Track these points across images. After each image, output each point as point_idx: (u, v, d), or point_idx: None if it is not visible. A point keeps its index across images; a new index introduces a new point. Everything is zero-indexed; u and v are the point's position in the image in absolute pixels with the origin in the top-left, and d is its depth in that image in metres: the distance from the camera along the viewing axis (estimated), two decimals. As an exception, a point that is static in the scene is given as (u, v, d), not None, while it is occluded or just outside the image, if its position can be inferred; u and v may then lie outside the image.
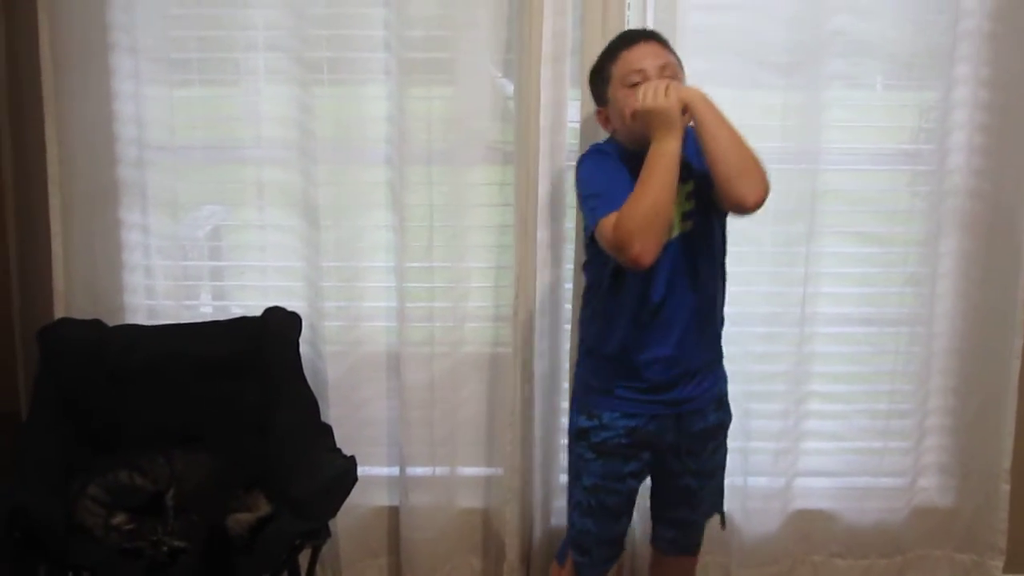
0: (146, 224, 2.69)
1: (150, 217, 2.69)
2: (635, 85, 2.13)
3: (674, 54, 2.23)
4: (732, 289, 2.69)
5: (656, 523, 2.48)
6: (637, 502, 2.43)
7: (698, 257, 2.22)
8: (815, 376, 2.76)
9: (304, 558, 2.42)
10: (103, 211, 2.63)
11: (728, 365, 2.72)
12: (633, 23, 2.52)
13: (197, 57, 2.66)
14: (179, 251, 2.72)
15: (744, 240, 2.68)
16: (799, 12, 2.58)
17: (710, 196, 2.17)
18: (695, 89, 2.12)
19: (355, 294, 2.71)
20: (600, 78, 2.24)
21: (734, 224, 2.70)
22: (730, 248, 2.69)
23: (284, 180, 2.64)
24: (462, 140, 2.59)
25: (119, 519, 2.32)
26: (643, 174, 2.06)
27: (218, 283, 2.86)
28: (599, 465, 2.30)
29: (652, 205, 2.04)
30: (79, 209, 2.60)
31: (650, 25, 2.53)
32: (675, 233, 2.18)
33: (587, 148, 2.35)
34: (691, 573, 2.54)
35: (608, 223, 2.07)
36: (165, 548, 2.24)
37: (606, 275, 2.22)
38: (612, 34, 2.41)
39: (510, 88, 2.57)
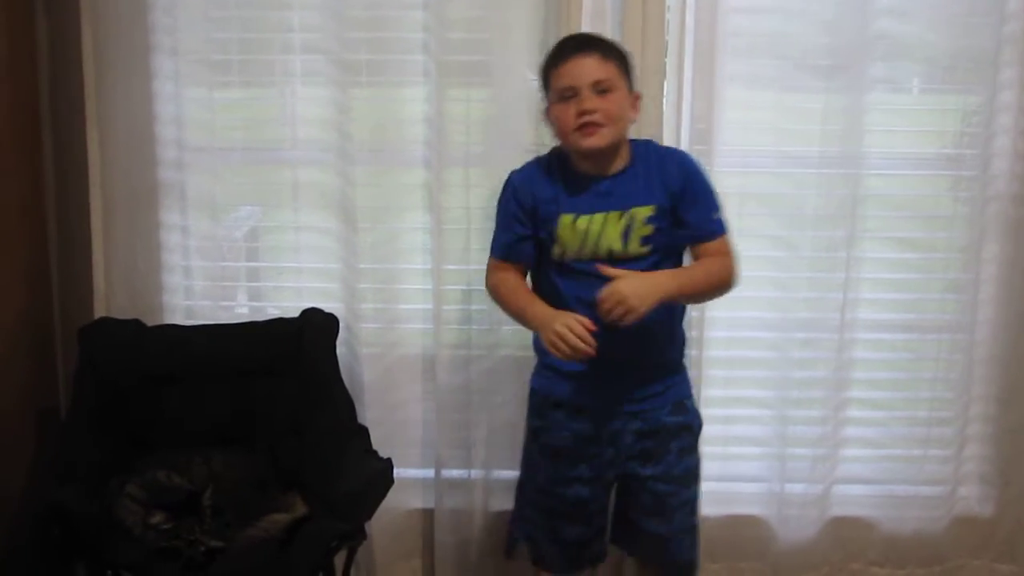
0: (185, 225, 2.71)
1: (189, 218, 2.71)
2: (565, 99, 2.17)
3: (619, 60, 2.21)
4: (771, 295, 2.70)
5: (634, 537, 2.41)
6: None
7: None
8: (854, 382, 2.73)
9: (339, 559, 2.42)
10: (143, 212, 2.65)
11: (766, 371, 2.73)
12: (672, 26, 2.51)
13: (237, 59, 2.67)
14: (217, 252, 2.74)
15: (784, 245, 2.68)
16: (840, 15, 2.57)
17: (671, 228, 2.22)
18: (655, 292, 2.08)
19: (392, 296, 2.71)
20: (544, 83, 2.26)
21: (773, 229, 2.71)
22: (769, 253, 2.70)
23: (322, 182, 2.65)
24: (499, 142, 2.59)
25: (157, 518, 2.33)
26: (520, 304, 2.24)
27: (255, 284, 2.86)
28: (549, 467, 2.33)
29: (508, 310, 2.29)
30: (119, 210, 2.62)
31: (690, 29, 2.53)
32: (626, 255, 2.19)
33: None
34: None
35: (489, 265, 2.33)
36: (202, 548, 2.25)
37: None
38: (652, 37, 2.42)
39: (547, 90, 2.57)
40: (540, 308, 2.19)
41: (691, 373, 2.62)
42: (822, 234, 2.65)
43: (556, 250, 2.22)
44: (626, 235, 2.19)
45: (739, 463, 2.81)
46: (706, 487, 2.69)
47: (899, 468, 2.80)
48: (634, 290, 2.05)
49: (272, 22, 2.63)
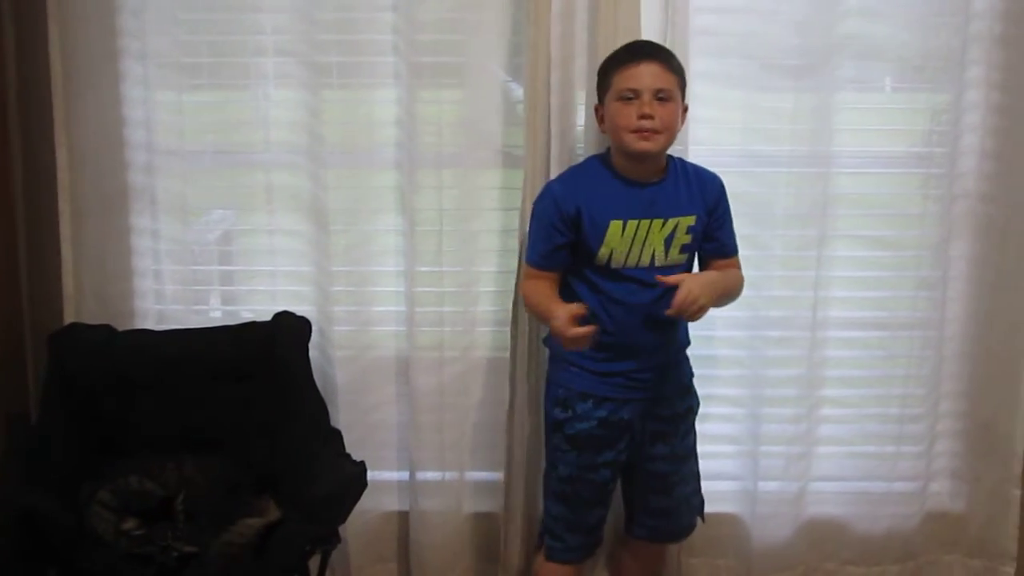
0: (156, 229, 2.69)
1: (160, 222, 2.69)
2: (626, 100, 2.25)
3: (678, 73, 2.30)
4: (744, 293, 2.68)
5: (635, 512, 2.55)
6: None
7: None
8: (827, 381, 2.75)
9: (314, 563, 2.42)
10: (113, 216, 2.64)
11: (739, 369, 2.74)
12: (645, 26, 2.51)
13: (207, 62, 2.66)
14: (189, 256, 2.73)
15: (755, 245, 2.69)
16: (809, 15, 2.58)
17: (701, 240, 2.38)
18: (715, 290, 2.25)
19: (365, 299, 2.71)
20: (602, 80, 2.34)
21: (744, 228, 2.72)
22: (742, 252, 2.70)
23: (294, 184, 2.64)
24: (472, 144, 2.59)
25: (129, 524, 2.32)
26: (542, 307, 2.30)
27: (228, 288, 2.85)
28: (574, 456, 2.40)
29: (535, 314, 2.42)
30: (89, 214, 2.60)
31: (661, 28, 2.52)
32: (665, 263, 2.32)
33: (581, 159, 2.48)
34: (662, 558, 2.69)
35: (525, 272, 2.43)
36: (175, 553, 2.24)
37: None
38: (625, 38, 2.41)
39: (519, 92, 2.57)
40: (553, 307, 2.25)
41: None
42: (793, 233, 2.67)
43: (603, 254, 2.30)
44: (668, 242, 2.31)
45: (713, 461, 2.80)
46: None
47: (872, 465, 2.81)
48: (703, 288, 2.19)
49: (242, 25, 2.62)
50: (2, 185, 2.63)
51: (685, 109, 2.35)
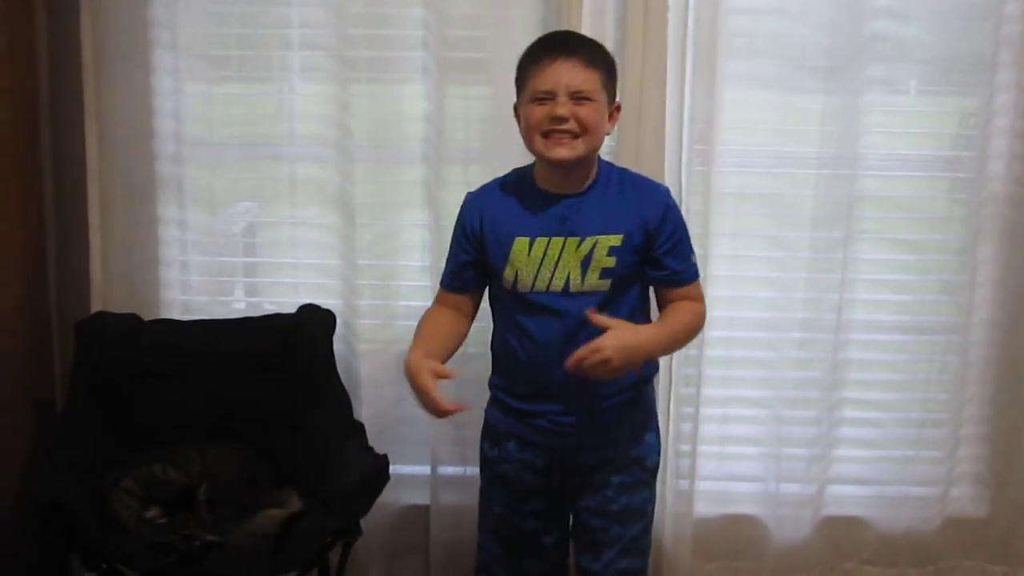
0: (183, 219, 2.70)
1: (187, 213, 2.70)
2: (540, 101, 2.01)
3: (604, 68, 2.05)
4: (768, 295, 2.70)
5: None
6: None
7: (604, 309, 2.04)
8: (849, 383, 2.75)
9: (335, 555, 2.43)
10: (141, 206, 2.65)
11: (762, 371, 2.74)
12: (673, 25, 2.51)
13: (236, 54, 2.67)
14: (215, 247, 2.74)
15: (781, 246, 2.69)
16: (838, 16, 2.58)
17: (634, 264, 2.08)
18: (641, 356, 1.99)
19: (390, 293, 2.72)
20: (519, 77, 2.10)
21: (770, 229, 2.71)
22: (766, 253, 2.70)
23: (321, 177, 2.65)
24: (498, 140, 2.58)
25: (152, 512, 2.34)
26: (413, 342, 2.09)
27: (252, 280, 2.86)
28: (505, 496, 2.24)
29: None
30: (117, 204, 2.62)
31: (690, 28, 2.52)
32: (582, 288, 2.05)
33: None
34: None
35: (437, 295, 2.24)
36: (197, 542, 2.24)
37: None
38: (654, 37, 2.42)
39: (547, 89, 2.57)
40: (411, 351, 2.05)
41: (689, 371, 2.64)
42: (819, 235, 2.66)
43: (507, 274, 2.08)
44: (585, 265, 2.05)
45: (735, 463, 2.82)
46: (702, 486, 2.73)
47: (893, 469, 2.81)
48: (621, 351, 1.91)
49: (272, 18, 2.63)
50: (32, 174, 2.64)
51: (617, 108, 2.10)
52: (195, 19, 2.61)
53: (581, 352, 1.92)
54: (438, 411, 1.97)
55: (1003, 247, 2.70)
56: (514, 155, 2.54)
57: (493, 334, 2.24)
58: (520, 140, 2.41)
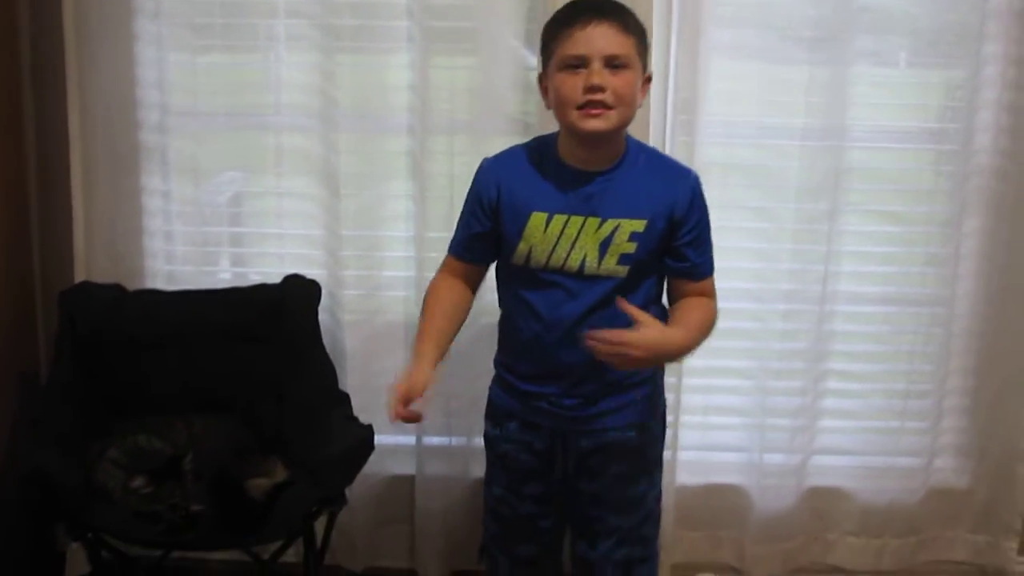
0: (167, 189, 2.69)
1: (171, 183, 2.69)
2: (571, 69, 1.90)
3: (637, 35, 1.94)
4: (753, 266, 2.70)
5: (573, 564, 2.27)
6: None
7: (611, 303, 1.98)
8: (834, 354, 2.75)
9: (320, 525, 2.44)
10: (124, 176, 2.63)
11: (747, 342, 2.74)
12: (660, -6, 2.50)
13: (220, 23, 2.65)
14: (199, 217, 2.73)
15: (766, 217, 2.69)
16: (825, -14, 2.57)
17: (655, 251, 2.01)
18: (665, 357, 2.00)
19: (374, 263, 2.71)
20: (545, 45, 1.97)
21: (755, 201, 2.71)
22: (751, 224, 2.70)
23: (305, 147, 2.64)
24: (484, 111, 2.58)
25: (138, 482, 2.34)
26: (420, 328, 2.07)
27: (237, 250, 2.85)
28: (504, 478, 2.20)
29: None
30: (100, 174, 2.60)
31: (676, -3, 2.51)
32: (597, 271, 1.99)
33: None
34: None
35: (443, 261, 2.15)
36: (183, 512, 2.25)
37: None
38: (640, 5, 2.36)
39: (532, 59, 2.56)
40: (419, 347, 2.03)
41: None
42: (804, 206, 2.66)
43: (521, 250, 2.01)
44: (603, 248, 1.97)
45: (719, 432, 2.83)
46: (686, 456, 2.74)
47: (877, 439, 2.82)
48: (648, 350, 1.87)
49: (256, -15, 2.61)
50: (15, 144, 2.63)
51: (648, 79, 2.00)
52: (178, -13, 2.60)
53: (607, 335, 1.84)
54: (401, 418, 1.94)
55: (988, 219, 2.69)
56: (500, 126, 2.55)
57: (500, 311, 2.19)
58: (507, 111, 2.41)
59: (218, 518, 2.24)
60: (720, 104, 2.60)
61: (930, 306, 2.74)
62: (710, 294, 2.08)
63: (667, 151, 2.55)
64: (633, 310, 1.88)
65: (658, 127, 2.57)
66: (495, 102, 2.58)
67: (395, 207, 2.69)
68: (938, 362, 2.76)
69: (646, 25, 2.40)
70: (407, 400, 1.92)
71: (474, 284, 2.17)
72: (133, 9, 2.57)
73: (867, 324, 2.81)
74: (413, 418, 1.93)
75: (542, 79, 2.00)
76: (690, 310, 2.03)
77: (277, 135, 2.68)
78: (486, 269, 2.16)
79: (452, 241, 2.14)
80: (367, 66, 2.66)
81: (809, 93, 2.60)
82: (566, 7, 1.98)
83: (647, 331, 1.87)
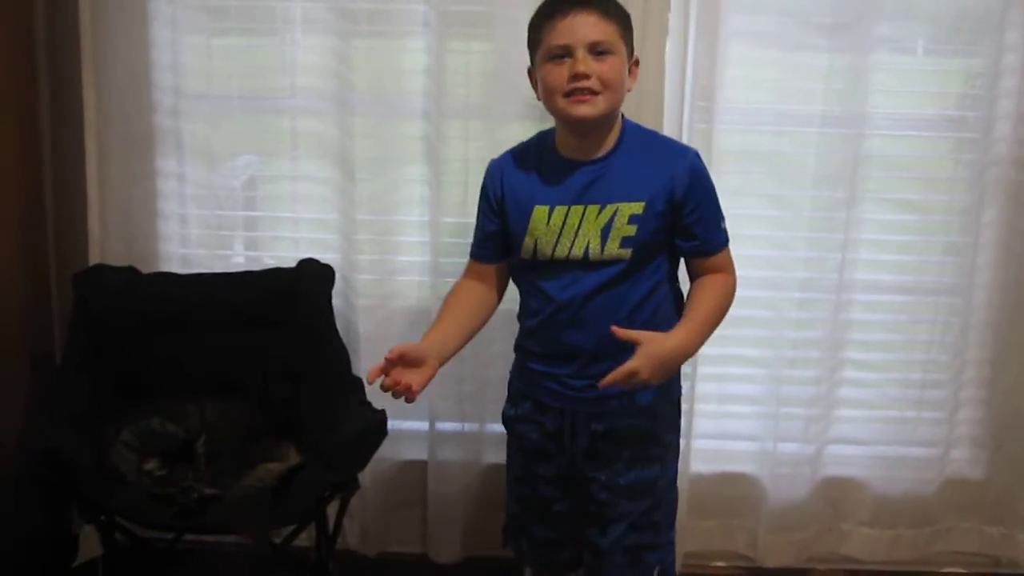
0: (181, 172, 2.69)
1: (186, 166, 2.69)
2: (557, 59, 1.95)
3: (620, 21, 1.98)
4: (769, 253, 2.69)
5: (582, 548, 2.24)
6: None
7: (623, 281, 2.03)
8: (850, 343, 2.74)
9: (332, 509, 2.44)
10: (139, 159, 2.63)
11: (762, 330, 2.73)
12: (676, -20, 2.48)
13: (236, 5, 2.63)
14: (214, 200, 2.72)
15: (783, 205, 2.67)
16: (845, -27, 2.54)
17: (658, 230, 2.02)
18: (677, 364, 2.00)
19: (389, 248, 2.70)
20: (532, 37, 2.03)
21: (773, 188, 2.69)
22: (768, 212, 2.69)
23: (320, 131, 2.63)
24: (499, 95, 2.56)
25: (151, 465, 2.34)
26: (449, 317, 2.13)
27: (252, 233, 2.85)
28: (522, 459, 2.23)
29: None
30: (115, 156, 2.60)
31: (695, -17, 2.49)
32: (601, 256, 2.01)
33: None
34: None
35: (467, 265, 2.21)
36: (195, 495, 2.25)
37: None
38: (658, -11, 2.37)
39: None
40: (428, 333, 2.09)
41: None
42: (822, 194, 2.64)
43: (527, 244, 2.06)
44: (605, 233, 2.00)
45: (733, 421, 2.82)
46: (699, 444, 2.73)
47: (892, 430, 2.81)
48: (656, 369, 1.89)
49: (271, -32, 2.60)
50: (29, 126, 2.63)
51: (636, 62, 2.03)
52: (193, -31, 2.59)
53: (615, 376, 1.87)
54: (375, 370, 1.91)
55: (1007, 209, 2.67)
56: (515, 111, 2.53)
57: (519, 296, 2.21)
58: (521, 96, 2.38)
59: (230, 501, 2.24)
60: (738, 91, 2.59)
61: (947, 296, 2.72)
62: (725, 268, 2.09)
63: (684, 138, 2.53)
64: (626, 333, 1.90)
65: (675, 114, 2.55)
66: (510, 87, 2.56)
67: (410, 192, 2.68)
68: (955, 352, 2.74)
69: (663, 13, 2.41)
70: (388, 363, 1.89)
71: (496, 285, 2.21)
72: (148, -9, 2.56)
73: (883, 313, 2.79)
74: (390, 382, 1.90)
75: (531, 72, 2.06)
76: (699, 298, 2.05)
77: (292, 119, 2.67)
78: (505, 268, 2.19)
79: (472, 244, 2.21)
80: (383, 50, 2.65)
81: (828, 80, 2.58)
82: (546, 0, 2.02)
83: (647, 349, 1.89)
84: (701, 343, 2.02)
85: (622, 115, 2.07)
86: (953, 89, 2.67)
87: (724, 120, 2.56)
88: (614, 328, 1.91)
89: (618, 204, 1.99)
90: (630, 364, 1.87)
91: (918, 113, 2.69)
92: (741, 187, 2.66)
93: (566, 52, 1.94)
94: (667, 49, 2.52)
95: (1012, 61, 2.58)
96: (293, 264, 2.59)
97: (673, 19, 2.51)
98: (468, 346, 2.65)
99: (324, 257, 2.61)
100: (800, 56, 2.61)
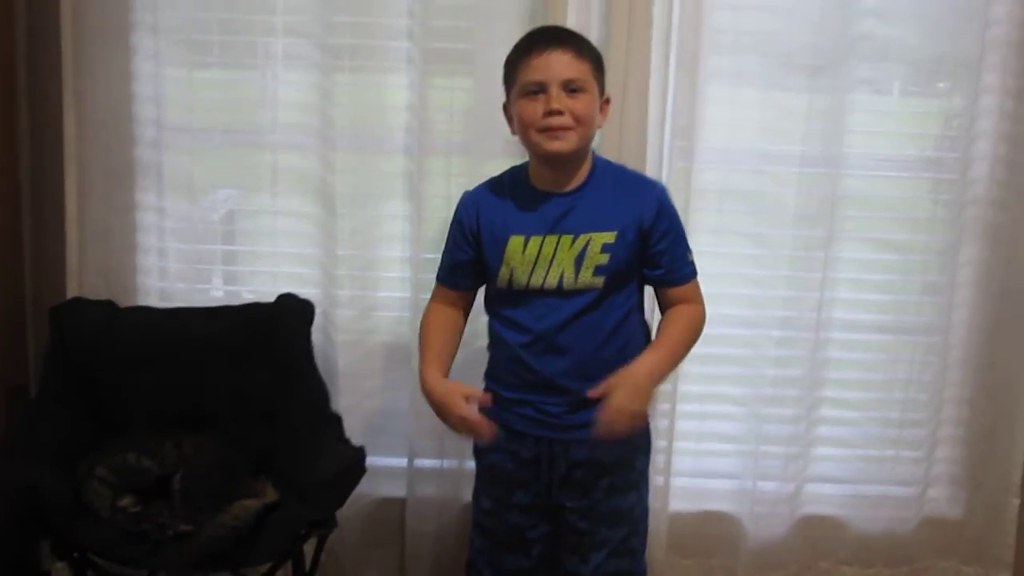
0: (161, 206, 2.68)
1: (166, 199, 2.68)
2: (531, 95, 2.01)
3: (593, 60, 2.05)
4: (748, 292, 2.70)
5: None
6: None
7: (596, 309, 2.08)
8: (828, 382, 2.74)
9: (310, 547, 2.41)
10: (119, 191, 2.62)
11: (741, 368, 2.73)
12: (658, 21, 2.50)
13: (219, 39, 2.65)
14: (193, 234, 2.72)
15: (762, 243, 2.69)
16: (825, 15, 2.57)
17: (628, 260, 2.07)
18: (650, 388, 2.01)
19: (369, 283, 2.70)
20: (508, 74, 2.09)
21: (752, 227, 2.71)
22: (747, 250, 2.70)
23: (302, 166, 2.63)
24: (482, 132, 2.57)
25: (126, 501, 2.31)
26: (421, 348, 2.19)
27: (231, 268, 2.84)
28: (491, 489, 2.24)
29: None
30: (95, 189, 2.59)
31: (675, 24, 2.51)
32: (575, 286, 2.05)
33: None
34: None
35: (433, 291, 2.24)
36: (170, 532, 2.23)
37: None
38: (638, 31, 2.40)
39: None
40: (425, 367, 2.12)
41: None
42: (801, 233, 2.66)
43: (503, 274, 2.09)
44: (579, 263, 2.05)
45: (712, 459, 2.81)
46: (678, 482, 2.73)
47: (871, 468, 2.81)
48: (633, 406, 1.95)
49: (255, 3, 2.61)
50: (9, 157, 2.62)
51: (607, 101, 2.11)
52: (177, 2, 2.59)
53: (601, 435, 1.96)
54: (482, 433, 2.03)
55: (985, 249, 2.69)
56: (497, 147, 2.54)
57: (489, 327, 2.23)
58: (503, 133, 2.39)
59: (206, 539, 2.22)
60: (718, 131, 2.61)
61: (926, 335, 2.74)
62: (694, 299, 2.14)
63: (664, 177, 2.55)
64: (596, 392, 1.96)
65: (655, 153, 2.57)
66: (492, 124, 2.55)
67: (391, 227, 2.68)
68: (933, 391, 2.76)
69: (644, 52, 2.43)
70: (468, 413, 2.01)
71: (464, 309, 2.26)
72: (131, 23, 2.56)
73: (862, 352, 2.80)
74: (482, 428, 2.02)
75: (506, 108, 2.12)
76: (666, 325, 2.12)
77: (273, 153, 2.67)
78: (473, 295, 2.24)
79: (439, 269, 2.24)
80: (365, 86, 2.66)
81: (807, 120, 2.61)
82: (523, 38, 2.09)
83: (619, 394, 1.95)
84: (670, 366, 2.10)
85: (593, 151, 2.13)
86: (931, 130, 2.70)
87: (704, 159, 2.58)
88: (589, 393, 1.97)
89: (591, 234, 2.05)
90: (606, 418, 1.94)
91: (897, 153, 2.72)
92: (720, 226, 2.68)
93: (540, 88, 2.01)
94: (649, 89, 2.53)
95: (989, 103, 2.61)
96: (272, 299, 2.58)
97: (654, 58, 2.52)
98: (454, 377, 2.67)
99: (303, 292, 2.60)
100: (779, 96, 2.64)
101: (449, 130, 2.60)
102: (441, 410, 2.05)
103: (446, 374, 2.13)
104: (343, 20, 2.57)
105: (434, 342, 2.18)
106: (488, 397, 2.09)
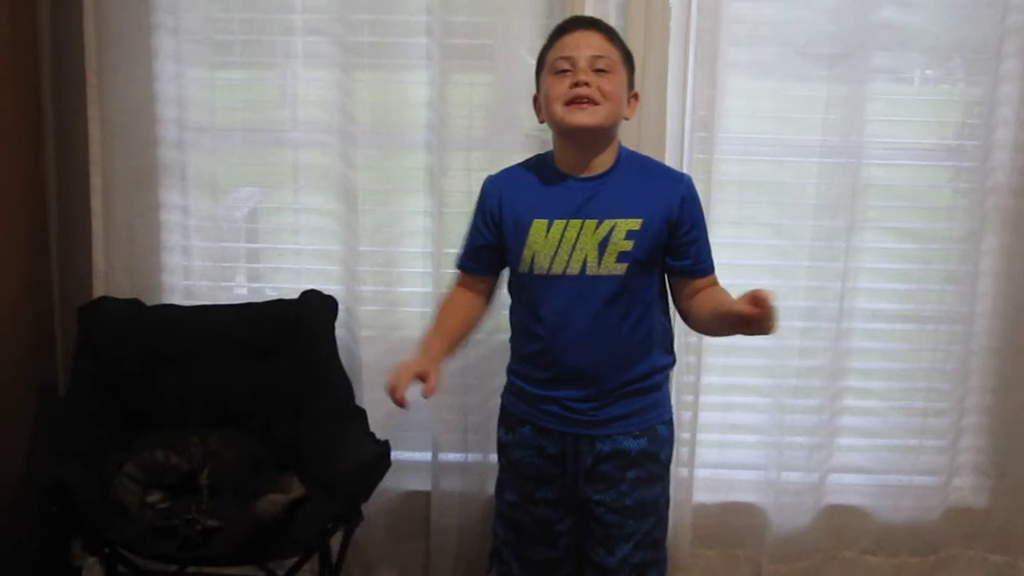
0: (185, 205, 2.71)
1: (189, 198, 2.71)
2: (562, 72, 2.02)
3: (622, 50, 2.07)
4: (770, 283, 2.65)
5: (583, 568, 2.27)
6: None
7: (620, 298, 2.08)
8: (851, 372, 2.74)
9: (336, 541, 2.43)
10: (143, 191, 2.65)
11: (764, 359, 2.73)
12: (676, 12, 2.50)
13: (239, 39, 2.67)
14: (217, 232, 2.74)
15: (783, 234, 2.68)
16: (843, 4, 2.57)
17: (652, 249, 2.07)
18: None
19: (392, 279, 2.72)
20: (540, 65, 2.12)
21: (773, 218, 2.71)
22: (768, 241, 2.70)
23: (323, 164, 2.65)
24: (501, 127, 2.59)
25: (154, 497, 2.34)
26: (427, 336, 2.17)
27: (255, 265, 2.86)
28: (517, 483, 2.24)
29: None
30: (119, 189, 2.62)
31: (693, 15, 2.52)
32: (597, 271, 2.05)
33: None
34: None
35: (454, 278, 2.25)
36: (199, 527, 2.25)
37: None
38: (657, 23, 2.40)
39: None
40: (424, 341, 2.15)
41: (690, 359, 2.64)
42: (822, 223, 2.65)
43: (525, 257, 2.09)
44: (602, 248, 2.04)
45: (736, 451, 2.82)
46: (702, 473, 2.73)
47: (895, 458, 2.81)
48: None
49: (274, 2, 2.63)
50: (35, 159, 2.65)
51: (635, 95, 2.12)
52: (198, 3, 2.61)
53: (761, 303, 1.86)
54: (395, 402, 2.01)
55: (1006, 237, 2.68)
56: (517, 142, 2.55)
57: (511, 320, 2.24)
58: (523, 127, 2.43)
59: (234, 534, 2.24)
60: (738, 121, 2.61)
61: (948, 324, 2.73)
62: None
63: (685, 168, 2.55)
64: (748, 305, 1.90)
65: (676, 144, 2.58)
66: (512, 119, 2.59)
67: (412, 223, 2.70)
68: (956, 380, 2.75)
69: (662, 44, 2.43)
70: (400, 380, 1.99)
71: (483, 292, 2.25)
72: (153, 25, 2.59)
73: (885, 342, 2.80)
74: (397, 400, 2.00)
75: (536, 99, 2.14)
76: (720, 292, 2.09)
77: (295, 151, 2.69)
78: (493, 281, 2.24)
79: (458, 256, 2.25)
80: (385, 83, 2.68)
81: (827, 110, 2.60)
82: (560, 23, 2.13)
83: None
84: None
85: (619, 140, 2.12)
86: (951, 118, 2.68)
87: (724, 150, 2.58)
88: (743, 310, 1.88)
89: (616, 220, 2.04)
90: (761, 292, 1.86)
91: (917, 142, 2.70)
92: (741, 216, 2.68)
93: (569, 65, 2.01)
94: (668, 80, 2.54)
95: (1009, 90, 2.60)
96: (296, 295, 2.60)
97: (673, 51, 2.53)
98: (472, 377, 2.69)
99: (327, 288, 2.62)
100: (799, 86, 2.64)
101: (469, 125, 2.61)
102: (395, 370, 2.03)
103: (446, 351, 2.14)
104: (362, 18, 2.59)
105: (440, 321, 2.20)
106: (430, 390, 2.01)
